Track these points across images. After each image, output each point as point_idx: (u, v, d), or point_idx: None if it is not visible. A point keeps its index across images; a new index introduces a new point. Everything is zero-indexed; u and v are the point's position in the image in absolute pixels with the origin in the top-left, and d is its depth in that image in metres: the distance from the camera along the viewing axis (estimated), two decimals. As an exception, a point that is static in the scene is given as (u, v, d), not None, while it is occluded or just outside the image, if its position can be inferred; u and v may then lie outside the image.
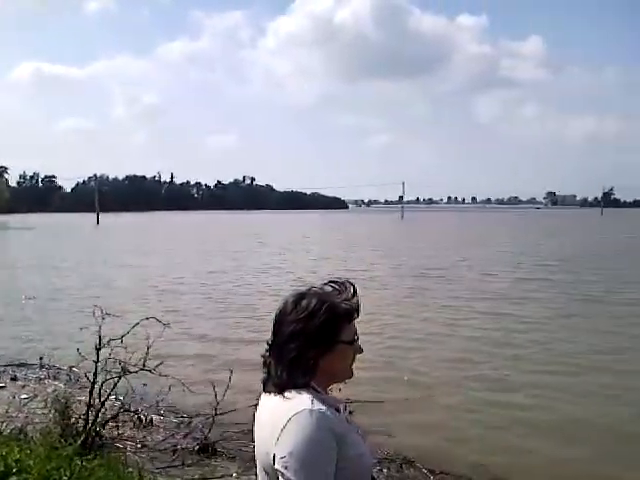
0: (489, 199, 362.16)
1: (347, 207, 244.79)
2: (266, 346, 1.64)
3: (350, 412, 5.74)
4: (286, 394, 1.52)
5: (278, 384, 1.56)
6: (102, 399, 5.38)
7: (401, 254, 29.06)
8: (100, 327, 5.37)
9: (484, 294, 15.82)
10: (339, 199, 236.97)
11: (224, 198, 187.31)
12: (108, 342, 5.45)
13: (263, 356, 1.65)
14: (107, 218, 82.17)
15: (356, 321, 1.63)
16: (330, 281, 1.68)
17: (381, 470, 5.44)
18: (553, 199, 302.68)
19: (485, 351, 9.75)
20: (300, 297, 1.60)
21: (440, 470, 5.51)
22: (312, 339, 1.54)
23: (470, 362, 9.14)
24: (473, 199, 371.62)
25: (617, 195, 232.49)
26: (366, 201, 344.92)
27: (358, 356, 1.65)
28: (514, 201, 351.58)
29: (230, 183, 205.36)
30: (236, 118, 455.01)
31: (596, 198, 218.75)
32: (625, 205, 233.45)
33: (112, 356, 5.47)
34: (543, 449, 5.99)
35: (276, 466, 1.44)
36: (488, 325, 11.80)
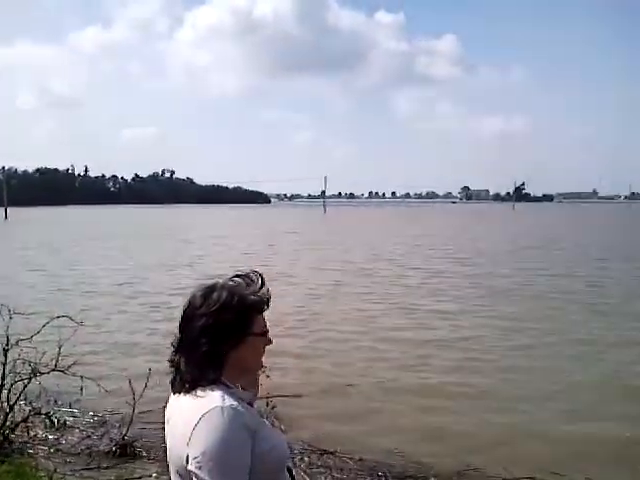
0: (408, 194, 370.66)
1: (269, 201, 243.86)
2: (172, 345, 1.61)
3: (273, 407, 5.73)
4: (196, 392, 1.50)
5: (189, 381, 1.53)
6: (11, 402, 5.14)
7: (322, 248, 29.24)
8: (8, 327, 5.12)
9: (401, 288, 16.08)
10: (261, 193, 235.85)
11: (143, 192, 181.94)
12: (17, 342, 5.21)
13: (170, 358, 1.61)
14: (17, 213, 77.91)
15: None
16: (237, 274, 1.66)
17: (302, 459, 5.55)
18: (468, 193, 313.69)
19: (400, 348, 9.79)
20: (209, 290, 1.57)
21: (359, 457, 5.67)
22: (224, 332, 1.52)
23: (385, 360, 9.16)
24: (393, 194, 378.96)
25: (527, 190, 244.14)
26: (289, 195, 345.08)
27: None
28: (432, 195, 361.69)
29: (149, 177, 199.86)
30: (155, 111, 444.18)
31: (508, 193, 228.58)
32: (535, 199, 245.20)
33: (22, 357, 5.24)
34: (453, 443, 6.20)
35: (190, 467, 1.41)
36: (403, 320, 11.92)
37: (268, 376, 7.01)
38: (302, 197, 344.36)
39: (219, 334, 1.52)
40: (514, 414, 6.96)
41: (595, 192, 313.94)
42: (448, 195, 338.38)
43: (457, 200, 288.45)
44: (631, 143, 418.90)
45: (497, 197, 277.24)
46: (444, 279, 17.85)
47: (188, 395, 1.52)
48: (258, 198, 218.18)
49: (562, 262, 22.29)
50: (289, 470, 1.62)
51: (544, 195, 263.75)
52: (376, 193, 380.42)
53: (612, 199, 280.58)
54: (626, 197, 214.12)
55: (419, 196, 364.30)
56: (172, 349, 1.60)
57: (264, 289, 1.64)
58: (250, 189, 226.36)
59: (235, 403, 1.47)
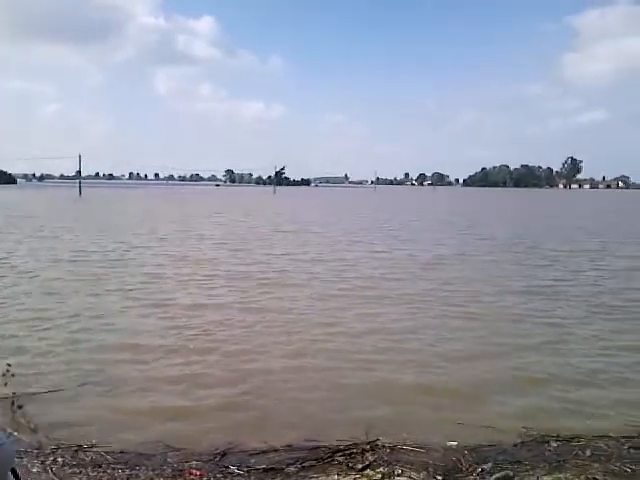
0: (172, 176, 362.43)
1: (15, 182, 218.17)
2: None
3: (20, 407, 5.33)
4: None
5: None
6: None
7: (65, 236, 26.14)
8: None
9: (146, 277, 15.59)
10: (4, 172, 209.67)
11: None
12: None
13: None
14: None
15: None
16: None
17: (55, 460, 5.34)
18: (232, 177, 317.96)
19: (142, 337, 9.70)
20: None
21: (120, 450, 5.65)
22: None
23: (132, 350, 9.00)
24: (156, 175, 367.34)
25: (287, 174, 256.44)
26: (38, 175, 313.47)
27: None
28: (196, 178, 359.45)
29: None
30: None
31: (270, 176, 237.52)
32: (294, 183, 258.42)
33: None
34: (213, 425, 6.42)
35: None
36: (146, 309, 11.74)
37: (13, 375, 6.52)
38: (54, 178, 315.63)
39: None
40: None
41: (347, 177, 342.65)
42: (212, 178, 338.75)
43: (221, 183, 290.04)
44: (379, 133, 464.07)
45: (260, 180, 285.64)
46: (199, 266, 17.76)
47: None
48: (0, 178, 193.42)
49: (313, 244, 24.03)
50: (14, 472, 1.56)
51: (302, 179, 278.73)
52: (137, 174, 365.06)
53: (361, 183, 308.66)
54: (372, 182, 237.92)
55: (183, 178, 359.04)
56: None
57: None
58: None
59: None
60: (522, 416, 6.62)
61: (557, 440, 5.99)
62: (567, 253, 21.31)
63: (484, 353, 8.96)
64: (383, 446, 5.78)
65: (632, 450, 5.72)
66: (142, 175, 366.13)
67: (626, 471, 5.22)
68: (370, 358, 8.67)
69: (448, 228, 33.32)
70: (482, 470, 5.30)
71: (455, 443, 5.88)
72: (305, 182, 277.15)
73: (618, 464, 5.38)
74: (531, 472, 5.24)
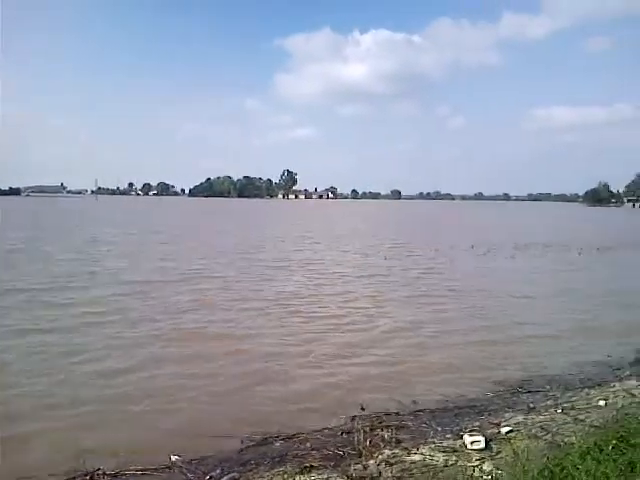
0: None
1: None
2: None
3: None
4: None
5: None
6: None
7: None
8: None
9: None
10: None
11: None
12: None
13: None
14: None
15: None
16: None
17: None
18: None
19: None
20: None
21: None
22: None
23: None
24: None
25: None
26: None
27: None
28: None
29: None
30: None
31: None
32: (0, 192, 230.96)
33: None
34: None
35: None
36: None
37: None
38: None
39: None
40: None
41: (64, 186, 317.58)
42: None
43: None
44: (100, 140, 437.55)
45: None
46: None
47: None
48: None
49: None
50: None
51: (11, 188, 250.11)
52: None
53: (80, 193, 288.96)
54: (93, 191, 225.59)
55: None
56: None
57: None
58: None
59: None
60: (240, 420, 6.87)
61: (280, 439, 6.36)
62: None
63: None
64: (104, 474, 5.43)
65: (344, 435, 6.39)
66: None
67: (338, 454, 5.80)
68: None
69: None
70: (210, 477, 5.35)
71: (180, 458, 5.82)
72: (14, 191, 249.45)
73: (332, 449, 5.96)
74: (255, 470, 5.47)
